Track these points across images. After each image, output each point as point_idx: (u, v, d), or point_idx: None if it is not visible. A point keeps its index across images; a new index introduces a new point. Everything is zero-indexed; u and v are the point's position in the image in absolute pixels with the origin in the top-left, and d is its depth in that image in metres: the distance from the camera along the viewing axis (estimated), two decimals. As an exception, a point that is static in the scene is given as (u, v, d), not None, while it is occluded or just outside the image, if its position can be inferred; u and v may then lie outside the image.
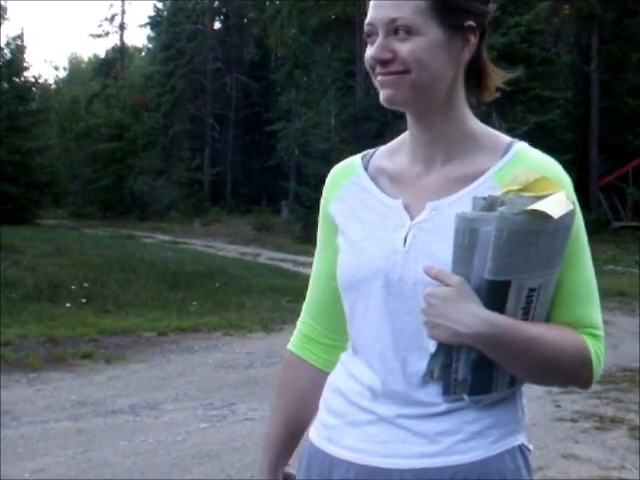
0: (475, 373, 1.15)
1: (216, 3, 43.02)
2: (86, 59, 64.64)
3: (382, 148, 1.36)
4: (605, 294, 11.73)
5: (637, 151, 26.50)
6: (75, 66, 65.95)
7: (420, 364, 1.18)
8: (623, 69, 29.00)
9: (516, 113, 21.52)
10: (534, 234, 1.08)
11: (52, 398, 5.77)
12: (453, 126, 1.24)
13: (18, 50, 34.24)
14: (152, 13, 46.64)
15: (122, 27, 46.26)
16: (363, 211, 1.29)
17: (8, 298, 9.90)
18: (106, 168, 34.24)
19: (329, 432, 1.28)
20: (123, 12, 46.74)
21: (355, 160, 1.36)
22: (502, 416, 1.21)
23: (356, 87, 30.72)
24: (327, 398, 1.32)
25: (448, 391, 1.17)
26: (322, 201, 1.39)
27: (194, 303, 10.67)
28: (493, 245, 1.07)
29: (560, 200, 1.10)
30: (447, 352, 1.15)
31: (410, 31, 1.16)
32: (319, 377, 1.37)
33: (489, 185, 1.19)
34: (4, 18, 34.94)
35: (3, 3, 41.90)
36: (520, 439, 1.22)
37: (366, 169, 1.33)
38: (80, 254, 15.45)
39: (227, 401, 5.80)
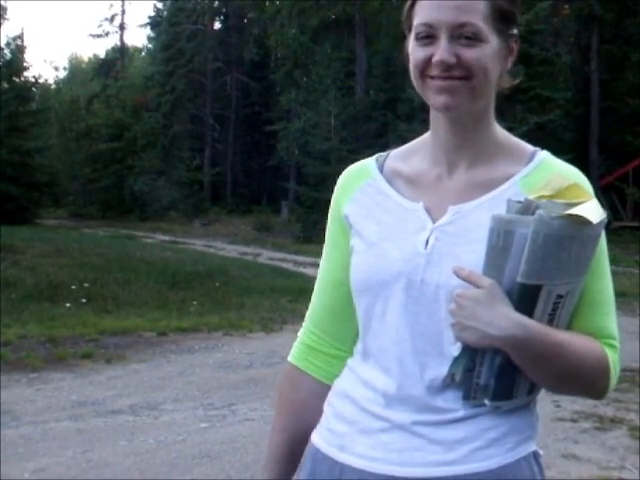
0: (498, 378, 1.15)
1: (216, 3, 43.02)
2: (86, 59, 64.78)
3: (395, 151, 1.34)
4: (605, 294, 11.75)
5: (637, 151, 26.52)
6: (75, 66, 66.01)
7: (440, 369, 1.17)
8: (623, 69, 29.00)
9: (516, 113, 21.49)
10: (568, 239, 1.08)
11: (52, 398, 5.76)
12: (483, 132, 1.23)
13: (18, 50, 34.33)
14: (152, 13, 46.81)
15: (122, 27, 46.37)
16: (381, 213, 1.26)
17: (8, 298, 9.90)
18: (106, 168, 34.29)
19: (339, 439, 1.25)
20: (123, 12, 46.93)
21: (369, 162, 1.34)
22: (519, 423, 1.20)
23: (356, 87, 30.74)
24: (335, 404, 1.29)
25: (468, 396, 1.16)
26: (333, 203, 1.35)
27: (194, 303, 10.67)
28: (528, 248, 1.07)
29: (595, 207, 1.11)
30: (471, 356, 1.14)
31: (478, 37, 1.14)
32: (319, 390, 1.34)
33: (514, 191, 1.18)
34: (4, 18, 35.02)
35: (3, 3, 41.94)
36: (534, 445, 1.22)
37: (381, 171, 1.31)
38: (80, 254, 15.46)
39: (227, 401, 5.80)
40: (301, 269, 16.15)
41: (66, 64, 70.84)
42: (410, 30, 1.21)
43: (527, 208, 1.10)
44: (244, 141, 40.21)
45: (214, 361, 7.29)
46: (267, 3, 37.43)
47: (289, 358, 1.40)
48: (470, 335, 1.11)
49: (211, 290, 11.97)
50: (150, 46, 54.02)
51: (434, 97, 1.18)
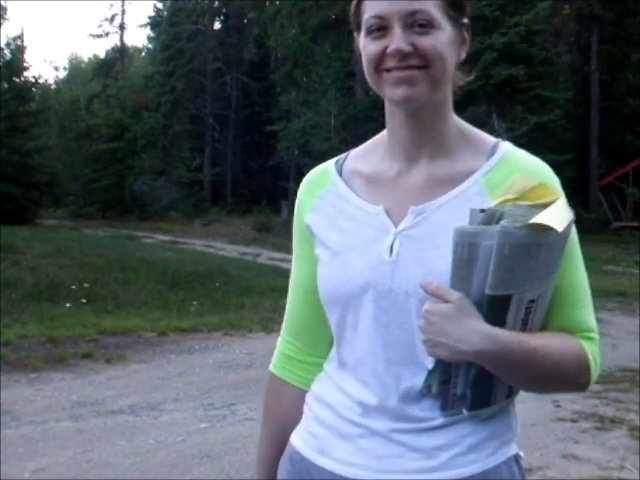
0: (475, 388, 1.13)
1: (216, 3, 43.04)
2: (86, 59, 64.78)
3: (355, 150, 1.31)
4: (605, 294, 11.74)
5: (637, 151, 26.54)
6: (75, 66, 66.02)
7: (415, 379, 1.15)
8: (623, 69, 29.04)
9: (516, 113, 21.47)
10: (535, 247, 1.05)
11: (52, 398, 5.76)
12: (442, 125, 1.19)
13: (18, 50, 34.31)
14: (152, 13, 46.84)
15: (122, 27, 46.38)
16: (343, 220, 1.23)
17: (8, 298, 9.90)
18: (106, 168, 34.26)
19: (319, 443, 1.24)
20: (123, 12, 46.94)
21: (329, 166, 1.31)
22: (498, 426, 1.19)
23: (356, 87, 30.70)
24: (314, 408, 1.28)
25: (446, 406, 1.15)
26: (295, 212, 1.32)
27: (194, 303, 10.67)
28: (494, 260, 1.04)
29: (561, 210, 1.08)
30: (445, 369, 1.12)
31: (432, 24, 1.12)
32: (302, 397, 1.33)
33: (477, 189, 1.16)
34: (4, 18, 34.97)
35: (3, 3, 41.95)
36: (514, 448, 1.21)
37: (340, 174, 1.28)
38: (80, 254, 15.45)
39: (227, 401, 5.80)
40: (301, 269, 16.11)
41: (66, 64, 71.00)
42: (359, 28, 1.19)
43: (491, 217, 1.07)
44: (244, 141, 40.22)
45: (214, 361, 7.29)
46: (267, 3, 37.41)
47: (270, 367, 1.41)
48: (442, 351, 1.09)
49: (211, 290, 11.96)
50: (150, 46, 54.05)
51: (392, 90, 1.14)
